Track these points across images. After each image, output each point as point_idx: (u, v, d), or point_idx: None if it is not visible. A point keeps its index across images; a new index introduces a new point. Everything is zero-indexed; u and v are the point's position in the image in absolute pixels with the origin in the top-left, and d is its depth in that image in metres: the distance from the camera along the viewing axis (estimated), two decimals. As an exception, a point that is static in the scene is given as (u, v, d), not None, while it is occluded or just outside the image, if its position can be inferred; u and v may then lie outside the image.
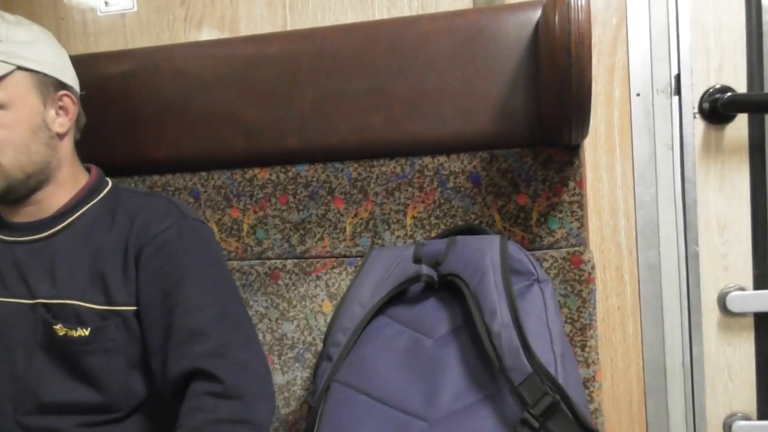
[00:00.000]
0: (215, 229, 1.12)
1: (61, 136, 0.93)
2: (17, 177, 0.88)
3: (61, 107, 0.93)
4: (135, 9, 1.25)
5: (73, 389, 0.88)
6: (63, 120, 0.93)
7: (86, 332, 0.87)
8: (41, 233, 0.92)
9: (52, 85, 0.91)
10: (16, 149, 0.87)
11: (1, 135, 0.85)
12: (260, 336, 1.09)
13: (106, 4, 1.26)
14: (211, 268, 0.92)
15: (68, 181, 0.95)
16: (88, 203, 0.95)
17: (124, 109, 1.12)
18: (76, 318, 0.87)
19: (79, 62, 1.13)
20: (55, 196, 0.93)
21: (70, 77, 0.95)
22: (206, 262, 0.92)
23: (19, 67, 0.87)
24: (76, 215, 0.93)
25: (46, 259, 0.91)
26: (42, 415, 0.88)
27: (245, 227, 1.11)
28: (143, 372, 0.90)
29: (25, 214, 0.93)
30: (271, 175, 1.09)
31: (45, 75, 0.90)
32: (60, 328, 0.87)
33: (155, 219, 0.91)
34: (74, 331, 0.87)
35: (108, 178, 1.00)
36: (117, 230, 0.92)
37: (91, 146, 1.10)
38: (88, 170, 1.00)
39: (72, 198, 0.94)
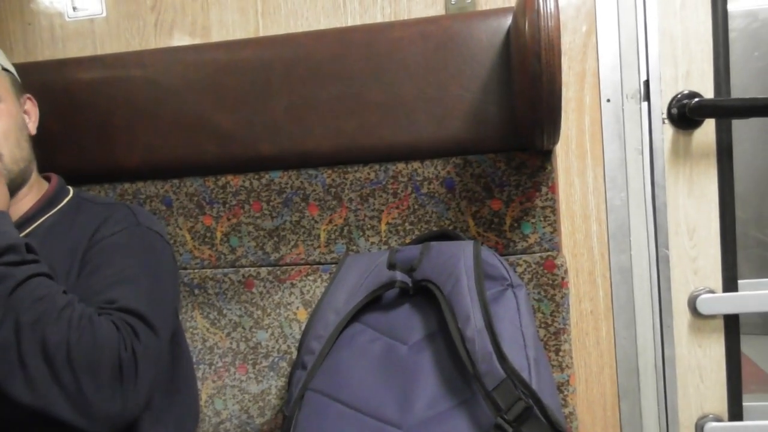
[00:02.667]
0: (188, 237, 1.11)
1: (31, 138, 0.94)
2: (14, 170, 0.88)
3: (25, 111, 0.94)
4: (104, 14, 1.23)
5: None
6: (30, 123, 0.95)
7: None
8: None
9: (20, 88, 0.94)
10: (12, 141, 0.88)
11: (2, 125, 0.86)
12: (234, 344, 1.08)
13: (74, 9, 1.24)
14: (152, 276, 0.86)
15: (35, 186, 0.94)
16: (47, 213, 0.93)
17: (94, 116, 1.10)
18: None
19: (47, 68, 1.11)
20: (23, 201, 0.92)
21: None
22: (147, 267, 0.87)
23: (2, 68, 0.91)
24: (33, 226, 0.91)
25: None
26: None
27: (218, 235, 1.10)
28: None
29: None
30: (244, 181, 1.08)
31: (16, 78, 0.94)
32: None
33: (108, 224, 0.90)
34: None
35: (69, 187, 0.99)
36: (73, 240, 0.89)
37: (60, 153, 1.08)
38: (47, 179, 0.98)
39: (31, 207, 0.93)
